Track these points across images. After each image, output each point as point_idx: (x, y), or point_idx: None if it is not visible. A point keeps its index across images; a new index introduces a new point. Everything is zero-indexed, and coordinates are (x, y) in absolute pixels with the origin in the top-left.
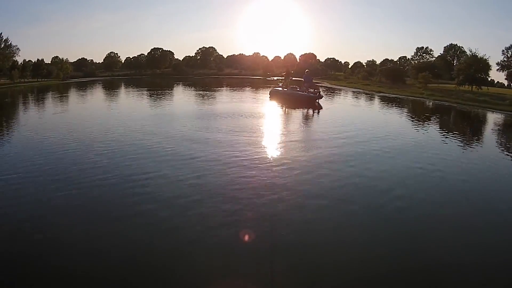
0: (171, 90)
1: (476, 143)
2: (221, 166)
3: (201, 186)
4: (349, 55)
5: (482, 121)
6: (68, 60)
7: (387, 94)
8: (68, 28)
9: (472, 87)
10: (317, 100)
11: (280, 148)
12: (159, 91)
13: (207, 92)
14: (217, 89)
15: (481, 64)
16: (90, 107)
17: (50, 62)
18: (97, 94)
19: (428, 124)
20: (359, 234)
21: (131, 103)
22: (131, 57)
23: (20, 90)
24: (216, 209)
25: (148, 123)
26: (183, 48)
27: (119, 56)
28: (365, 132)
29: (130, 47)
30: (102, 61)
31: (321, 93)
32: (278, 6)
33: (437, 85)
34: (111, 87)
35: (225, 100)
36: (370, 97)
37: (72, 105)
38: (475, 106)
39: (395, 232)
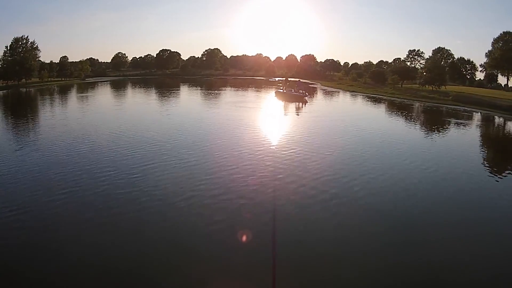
0: (197, 89)
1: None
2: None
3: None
4: (351, 56)
5: (402, 108)
6: (88, 61)
7: (357, 93)
8: (69, 27)
9: (432, 87)
10: (305, 97)
11: (282, 116)
12: (188, 91)
13: (226, 91)
14: (233, 88)
15: (440, 69)
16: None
17: (58, 62)
18: (142, 93)
19: (358, 110)
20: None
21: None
22: (137, 57)
23: (57, 87)
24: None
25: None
26: (185, 47)
27: (127, 56)
28: (324, 110)
29: (132, 46)
30: (110, 60)
31: (305, 92)
32: (280, 5)
33: (410, 85)
34: (137, 86)
35: (245, 95)
36: (341, 94)
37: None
38: (420, 100)
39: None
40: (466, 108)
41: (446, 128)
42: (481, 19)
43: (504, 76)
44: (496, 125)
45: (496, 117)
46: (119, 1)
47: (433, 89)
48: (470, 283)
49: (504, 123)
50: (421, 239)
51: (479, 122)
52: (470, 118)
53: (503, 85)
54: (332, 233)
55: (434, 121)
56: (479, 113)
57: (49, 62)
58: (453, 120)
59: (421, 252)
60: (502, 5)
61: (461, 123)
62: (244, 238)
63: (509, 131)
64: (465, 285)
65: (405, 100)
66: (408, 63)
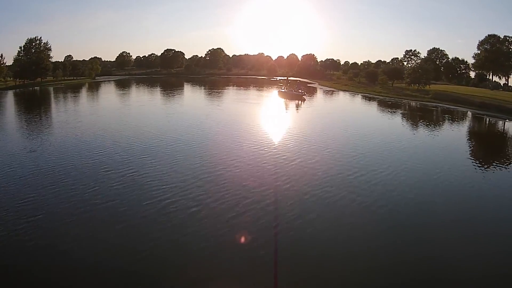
0: (203, 88)
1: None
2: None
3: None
4: (353, 55)
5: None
6: (98, 60)
7: (350, 92)
8: (71, 26)
9: (417, 86)
10: (303, 96)
11: (284, 110)
12: (207, 90)
13: (230, 89)
14: (237, 87)
15: (424, 70)
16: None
17: (63, 60)
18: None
19: (346, 106)
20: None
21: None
22: (141, 56)
23: (72, 85)
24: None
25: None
26: (186, 46)
27: (131, 56)
28: (319, 107)
29: (134, 45)
30: (115, 59)
31: (304, 91)
32: (281, 4)
33: (399, 84)
34: (146, 85)
35: (250, 93)
36: (336, 93)
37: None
38: (401, 98)
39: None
40: (438, 104)
41: (400, 118)
42: (482, 19)
43: (496, 75)
44: (458, 118)
45: (462, 111)
46: (120, 0)
47: (418, 88)
48: (470, 282)
49: (466, 116)
50: (421, 238)
51: (439, 115)
52: (434, 112)
53: (502, 84)
54: (332, 232)
55: (398, 114)
56: (448, 108)
57: (62, 61)
58: (412, 113)
59: (421, 251)
60: (503, 5)
61: (419, 115)
62: (246, 237)
63: (470, 122)
64: (466, 283)
65: (386, 98)
66: (405, 63)
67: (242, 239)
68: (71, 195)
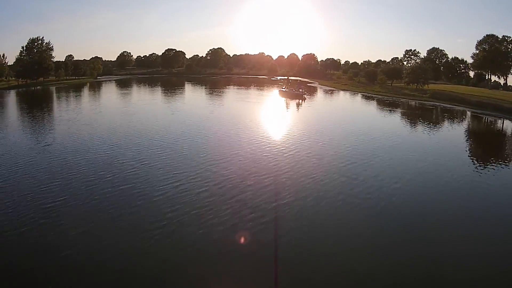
0: (205, 88)
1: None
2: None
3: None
4: (353, 54)
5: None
6: (99, 60)
7: (349, 91)
8: (71, 26)
9: (416, 85)
10: (304, 95)
11: (285, 109)
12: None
13: (232, 89)
14: (239, 86)
15: (423, 70)
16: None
17: (64, 60)
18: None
19: (345, 106)
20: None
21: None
22: (142, 56)
23: (75, 85)
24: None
25: None
26: (186, 45)
27: (132, 55)
28: (319, 105)
29: (134, 44)
30: (116, 59)
31: (305, 91)
32: (281, 3)
33: (398, 84)
34: (148, 84)
35: (252, 93)
36: (336, 93)
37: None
38: (399, 97)
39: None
40: (436, 103)
41: (398, 115)
42: (482, 19)
43: (494, 75)
44: (454, 116)
45: (459, 110)
46: (120, 0)
47: (416, 87)
48: (470, 281)
49: (463, 114)
50: (421, 237)
51: (436, 113)
52: (431, 110)
53: (502, 84)
54: (332, 230)
55: (396, 113)
56: (445, 107)
57: (63, 61)
58: (408, 111)
59: (421, 250)
60: (503, 5)
61: (416, 114)
62: (246, 236)
63: (465, 121)
64: (465, 283)
65: (385, 97)
66: (405, 63)
67: (243, 237)
68: (88, 182)
